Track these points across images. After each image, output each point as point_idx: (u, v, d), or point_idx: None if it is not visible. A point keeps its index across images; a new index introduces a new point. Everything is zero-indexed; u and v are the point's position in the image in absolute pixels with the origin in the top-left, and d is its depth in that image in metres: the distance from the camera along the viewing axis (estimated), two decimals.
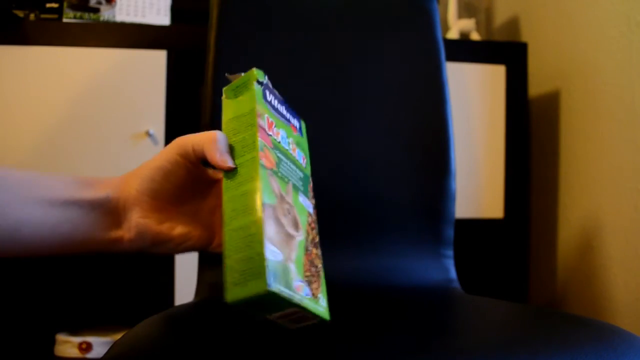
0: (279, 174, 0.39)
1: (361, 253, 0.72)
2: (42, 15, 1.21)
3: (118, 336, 1.08)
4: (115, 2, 1.20)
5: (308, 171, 0.45)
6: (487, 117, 1.22)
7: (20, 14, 1.22)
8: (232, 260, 0.35)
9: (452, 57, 1.17)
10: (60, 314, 1.14)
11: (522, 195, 1.22)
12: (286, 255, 0.36)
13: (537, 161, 1.34)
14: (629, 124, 1.02)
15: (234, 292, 0.34)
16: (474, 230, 1.20)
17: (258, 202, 0.36)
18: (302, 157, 0.44)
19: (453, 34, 1.42)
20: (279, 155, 0.40)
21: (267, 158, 0.38)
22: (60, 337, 1.07)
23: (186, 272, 1.09)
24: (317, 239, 0.42)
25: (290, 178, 0.41)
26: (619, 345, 0.42)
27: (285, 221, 0.37)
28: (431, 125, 0.78)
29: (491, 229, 1.21)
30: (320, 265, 0.41)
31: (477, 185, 1.20)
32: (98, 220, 0.41)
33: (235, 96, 0.42)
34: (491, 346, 0.40)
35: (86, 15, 1.19)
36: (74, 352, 1.05)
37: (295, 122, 0.46)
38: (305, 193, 0.43)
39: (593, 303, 1.11)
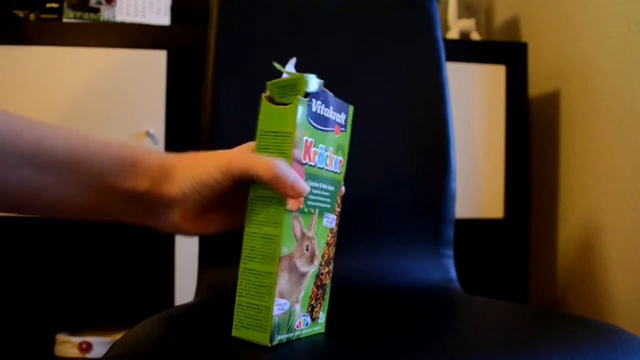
0: (305, 210, 0.39)
1: (361, 253, 0.72)
2: (42, 15, 1.21)
3: (118, 336, 1.08)
4: (115, 2, 1.20)
5: (342, 174, 0.43)
6: (487, 117, 1.22)
7: (20, 14, 1.22)
8: (242, 300, 0.38)
9: (452, 57, 1.17)
10: (60, 314, 1.14)
11: (522, 195, 1.22)
12: (294, 299, 0.39)
13: (537, 161, 1.34)
14: (629, 124, 1.02)
15: (239, 332, 0.38)
16: (474, 230, 1.20)
17: (276, 253, 0.37)
18: (339, 162, 0.42)
19: (453, 34, 1.42)
20: (311, 184, 0.39)
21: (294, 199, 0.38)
22: (60, 337, 1.07)
23: (186, 272, 1.09)
24: (332, 254, 0.43)
25: (317, 205, 0.40)
26: (619, 345, 0.42)
27: (302, 261, 0.39)
28: (431, 125, 0.78)
29: (491, 229, 1.21)
30: (328, 282, 0.43)
31: (477, 185, 1.20)
32: (133, 208, 0.41)
33: (280, 96, 0.38)
34: (491, 346, 0.40)
35: (86, 15, 1.19)
36: (74, 352, 1.05)
37: (341, 117, 0.42)
38: (331, 209, 0.42)
39: (593, 303, 1.11)
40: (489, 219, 1.20)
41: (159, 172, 0.40)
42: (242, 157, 0.39)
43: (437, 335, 0.44)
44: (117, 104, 1.10)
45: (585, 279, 1.14)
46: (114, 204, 0.40)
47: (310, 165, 0.39)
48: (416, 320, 0.50)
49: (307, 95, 0.38)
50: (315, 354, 0.37)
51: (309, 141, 0.38)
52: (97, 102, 1.10)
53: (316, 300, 0.41)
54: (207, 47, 0.75)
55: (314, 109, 0.39)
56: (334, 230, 0.43)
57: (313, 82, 0.38)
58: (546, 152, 1.30)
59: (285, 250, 0.37)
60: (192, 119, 1.12)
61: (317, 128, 0.39)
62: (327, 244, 0.42)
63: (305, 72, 0.39)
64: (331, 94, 0.41)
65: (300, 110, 0.37)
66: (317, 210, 0.40)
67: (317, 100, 0.39)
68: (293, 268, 0.38)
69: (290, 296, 0.38)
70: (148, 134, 1.10)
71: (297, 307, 0.39)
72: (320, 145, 0.40)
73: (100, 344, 1.06)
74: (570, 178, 1.21)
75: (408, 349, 0.39)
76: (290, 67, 0.40)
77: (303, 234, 0.39)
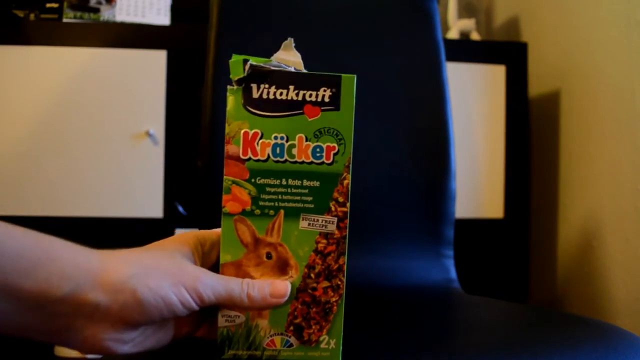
0: (256, 212, 0.34)
1: (361, 253, 0.72)
2: (42, 15, 1.21)
3: None
4: (115, 2, 1.20)
5: (339, 165, 0.35)
6: (487, 117, 1.22)
7: (20, 14, 1.22)
8: None
9: (452, 57, 1.17)
10: None
11: (522, 195, 1.22)
12: (253, 313, 0.35)
13: (537, 161, 1.34)
14: (629, 124, 1.02)
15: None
16: (474, 230, 1.20)
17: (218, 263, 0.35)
18: (325, 149, 0.34)
19: (453, 34, 1.42)
20: (261, 181, 0.34)
21: (234, 199, 0.34)
22: None
23: None
24: (336, 266, 0.35)
25: (282, 205, 0.34)
26: (619, 345, 0.42)
27: (261, 271, 0.35)
28: (431, 125, 0.78)
29: (491, 229, 1.21)
30: (334, 300, 0.35)
31: (477, 185, 1.20)
32: (41, 320, 0.29)
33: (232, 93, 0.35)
34: (491, 346, 0.40)
35: (86, 15, 1.19)
36: (74, 352, 1.05)
37: (319, 94, 0.35)
38: (318, 209, 0.35)
39: (593, 303, 1.11)
40: (489, 219, 1.20)
41: (89, 272, 0.30)
42: (217, 278, 0.33)
43: (437, 335, 0.44)
44: (117, 104, 1.10)
45: (585, 279, 1.14)
46: (21, 314, 0.28)
47: (259, 161, 0.34)
48: (416, 320, 0.50)
49: (241, 81, 0.34)
50: None
51: (250, 133, 0.34)
52: (97, 102, 1.10)
53: (306, 320, 0.35)
54: (207, 47, 0.75)
55: (256, 95, 0.34)
56: (336, 235, 0.35)
57: (237, 66, 0.34)
58: (546, 152, 1.30)
59: (227, 257, 0.34)
60: (192, 119, 1.12)
61: (264, 115, 0.34)
62: (319, 252, 0.35)
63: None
64: (291, 68, 0.35)
65: (232, 100, 0.34)
66: (281, 211, 0.34)
67: (260, 83, 0.34)
68: (245, 277, 0.34)
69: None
70: (148, 134, 1.10)
71: (263, 322, 0.35)
72: (275, 135, 0.34)
73: None
74: (570, 178, 1.21)
75: (408, 348, 0.39)
76: (284, 53, 0.36)
77: (257, 240, 0.34)
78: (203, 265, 0.35)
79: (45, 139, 1.08)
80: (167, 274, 0.31)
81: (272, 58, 0.35)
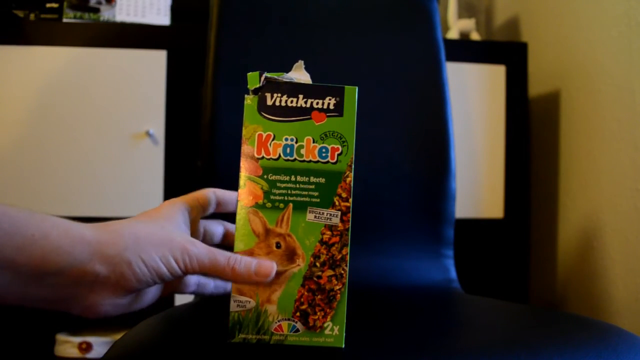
0: (267, 204, 0.38)
1: (361, 253, 0.72)
2: (42, 15, 1.21)
3: (118, 336, 1.08)
4: (115, 2, 1.20)
5: (343, 164, 0.39)
6: (487, 117, 1.22)
7: (20, 14, 1.22)
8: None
9: (452, 57, 1.17)
10: (60, 314, 1.14)
11: (522, 195, 1.22)
12: (263, 298, 0.38)
13: (537, 161, 1.34)
14: (629, 124, 1.02)
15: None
16: (474, 230, 1.20)
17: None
18: (330, 150, 0.39)
19: (453, 34, 1.42)
20: (273, 177, 0.38)
21: (248, 193, 0.38)
22: (60, 337, 1.07)
23: None
24: (339, 256, 0.38)
25: (291, 199, 0.38)
26: (619, 345, 0.42)
27: (269, 259, 0.38)
28: (431, 125, 0.78)
29: (491, 229, 1.21)
30: (338, 288, 0.38)
31: (477, 185, 1.20)
32: (43, 291, 0.32)
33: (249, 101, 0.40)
34: (491, 346, 0.40)
35: (86, 15, 1.19)
36: (74, 352, 1.05)
37: (325, 102, 0.39)
38: (323, 203, 0.38)
39: (593, 303, 1.11)
40: (489, 219, 1.20)
41: (86, 246, 0.32)
42: (204, 249, 0.36)
43: (437, 335, 0.44)
44: (117, 104, 1.10)
45: (585, 279, 1.14)
46: (22, 286, 0.31)
47: (271, 159, 0.38)
48: (416, 320, 0.50)
49: (257, 91, 0.39)
50: (314, 352, 0.37)
51: (264, 135, 0.38)
52: (98, 102, 1.10)
53: (312, 307, 0.38)
54: (207, 47, 0.75)
55: (269, 102, 0.39)
56: (339, 228, 0.38)
57: (254, 78, 0.39)
58: (546, 152, 1.30)
59: (240, 246, 0.38)
60: (192, 119, 1.12)
61: (277, 120, 0.38)
62: (323, 243, 0.38)
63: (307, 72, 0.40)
64: (298, 80, 0.39)
65: (248, 107, 0.39)
66: (290, 205, 0.38)
67: (273, 92, 0.39)
68: None
69: (255, 295, 0.37)
70: (148, 134, 1.10)
71: (271, 308, 0.38)
72: (286, 137, 0.38)
73: (100, 344, 1.06)
74: (570, 178, 1.21)
75: (408, 348, 0.39)
76: (296, 73, 0.40)
77: (268, 230, 0.38)
78: (191, 229, 0.40)
79: (44, 138, 1.08)
80: (157, 246, 0.35)
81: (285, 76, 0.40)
